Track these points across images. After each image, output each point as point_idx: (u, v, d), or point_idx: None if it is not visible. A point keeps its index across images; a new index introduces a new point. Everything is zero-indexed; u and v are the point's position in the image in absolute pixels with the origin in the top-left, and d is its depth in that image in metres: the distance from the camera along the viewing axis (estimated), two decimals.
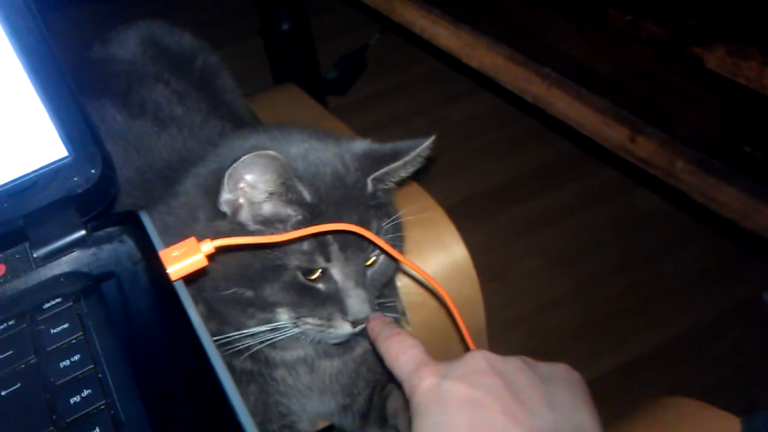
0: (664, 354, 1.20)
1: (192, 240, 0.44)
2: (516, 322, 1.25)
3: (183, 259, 0.43)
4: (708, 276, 1.32)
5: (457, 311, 0.49)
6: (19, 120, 0.44)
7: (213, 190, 0.51)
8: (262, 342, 0.52)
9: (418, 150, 0.54)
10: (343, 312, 0.51)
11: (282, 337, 0.52)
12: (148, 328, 0.42)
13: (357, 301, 0.51)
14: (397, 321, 0.63)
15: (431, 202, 0.70)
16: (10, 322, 0.42)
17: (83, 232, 0.46)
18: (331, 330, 0.52)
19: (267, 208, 0.50)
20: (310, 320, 0.51)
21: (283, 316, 0.52)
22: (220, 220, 0.51)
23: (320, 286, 0.51)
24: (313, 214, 0.49)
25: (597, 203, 1.47)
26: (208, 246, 0.43)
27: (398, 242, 0.55)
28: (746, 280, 1.30)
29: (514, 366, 0.42)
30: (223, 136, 0.67)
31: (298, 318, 0.51)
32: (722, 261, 1.34)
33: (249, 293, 0.50)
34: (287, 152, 0.52)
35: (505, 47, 0.90)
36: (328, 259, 0.50)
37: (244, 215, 0.50)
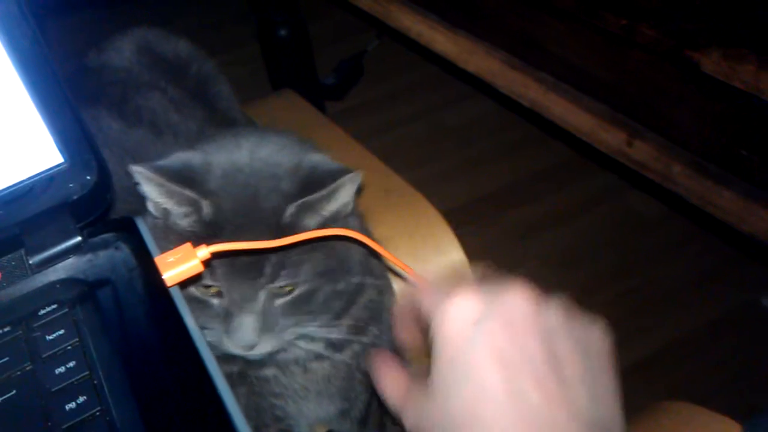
0: (663, 358, 1.20)
1: (187, 246, 0.43)
2: None
3: (178, 265, 0.43)
4: (706, 280, 1.32)
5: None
6: (14, 127, 0.44)
7: None
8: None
9: (333, 186, 0.49)
10: (228, 334, 0.50)
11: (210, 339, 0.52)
12: (143, 334, 0.42)
13: (241, 328, 0.49)
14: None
15: (428, 207, 0.70)
16: (6, 329, 0.42)
17: (79, 238, 0.46)
18: (225, 348, 0.51)
19: (185, 220, 0.50)
20: (209, 332, 0.51)
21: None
22: (156, 219, 0.51)
23: (216, 302, 0.50)
24: (213, 232, 0.48)
25: (594, 207, 1.47)
26: (204, 251, 0.43)
27: (318, 275, 0.51)
28: (745, 283, 1.30)
29: (557, 323, 0.36)
30: None
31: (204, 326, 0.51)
32: (720, 265, 1.34)
33: None
34: (228, 162, 0.51)
35: (502, 52, 0.90)
36: (215, 279, 0.49)
37: (175, 219, 0.51)
